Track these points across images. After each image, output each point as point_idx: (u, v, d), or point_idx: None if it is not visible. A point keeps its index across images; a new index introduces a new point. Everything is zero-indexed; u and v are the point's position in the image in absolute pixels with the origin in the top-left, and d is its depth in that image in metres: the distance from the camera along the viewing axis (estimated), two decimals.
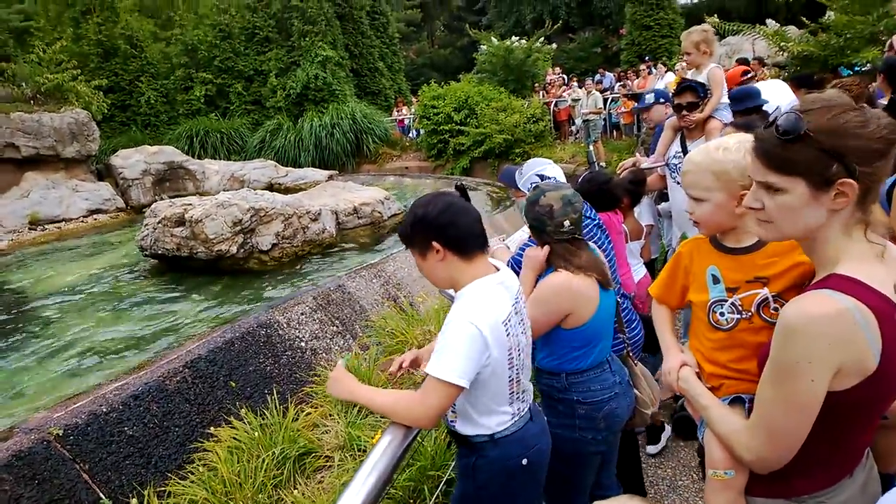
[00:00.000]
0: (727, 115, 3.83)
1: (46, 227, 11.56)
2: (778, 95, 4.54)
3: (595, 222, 2.59)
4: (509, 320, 1.75)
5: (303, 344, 4.51)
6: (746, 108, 4.01)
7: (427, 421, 1.70)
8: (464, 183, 10.31)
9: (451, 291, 2.53)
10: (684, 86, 3.82)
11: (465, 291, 1.76)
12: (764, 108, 4.05)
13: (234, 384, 3.82)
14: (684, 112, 3.75)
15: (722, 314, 1.68)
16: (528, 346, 1.90)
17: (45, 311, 6.75)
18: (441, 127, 14.89)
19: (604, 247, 2.53)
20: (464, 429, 1.83)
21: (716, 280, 1.70)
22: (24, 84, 13.31)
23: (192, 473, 3.02)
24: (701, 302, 1.73)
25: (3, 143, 11.69)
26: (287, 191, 11.02)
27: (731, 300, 1.66)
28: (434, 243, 1.73)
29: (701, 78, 3.89)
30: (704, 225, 1.74)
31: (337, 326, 4.91)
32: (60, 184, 12.51)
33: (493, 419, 1.80)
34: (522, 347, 1.84)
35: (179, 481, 3.00)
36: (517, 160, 13.10)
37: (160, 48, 19.64)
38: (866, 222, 1.28)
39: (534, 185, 2.57)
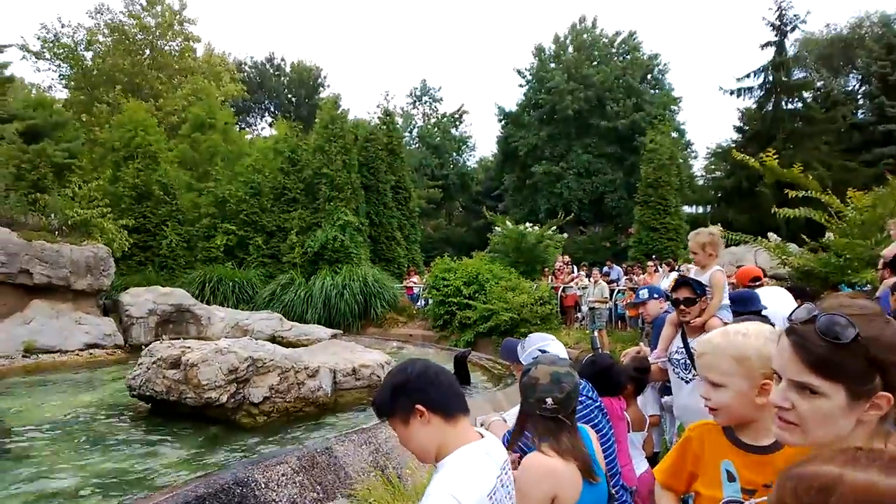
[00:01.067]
0: (728, 315, 3.89)
1: (40, 356, 11.39)
2: (780, 302, 4.63)
3: (596, 404, 2.53)
4: (495, 493, 1.63)
5: None
6: (745, 311, 4.08)
7: None
8: (464, 353, 10.22)
9: None
10: (681, 281, 3.95)
11: (448, 461, 1.66)
12: (763, 313, 4.11)
13: None
14: (682, 307, 3.83)
15: None
16: None
17: (19, 441, 6.45)
18: (449, 299, 15.14)
19: (604, 431, 2.44)
20: None
21: (731, 477, 1.59)
22: (53, 215, 13.90)
23: None
24: (712, 497, 1.61)
25: (18, 268, 11.93)
26: (290, 345, 10.95)
27: (747, 503, 1.55)
28: (418, 406, 1.68)
29: (703, 278, 4.01)
30: (723, 414, 1.64)
31: (317, 492, 4.62)
32: (65, 314, 12.56)
33: None
34: None
35: None
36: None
37: (192, 197, 20.73)
38: (887, 434, 1.21)
39: (536, 358, 2.55)
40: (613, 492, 2.27)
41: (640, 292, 5.04)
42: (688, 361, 3.83)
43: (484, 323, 14.11)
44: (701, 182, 33.14)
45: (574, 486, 1.96)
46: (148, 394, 7.23)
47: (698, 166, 36.35)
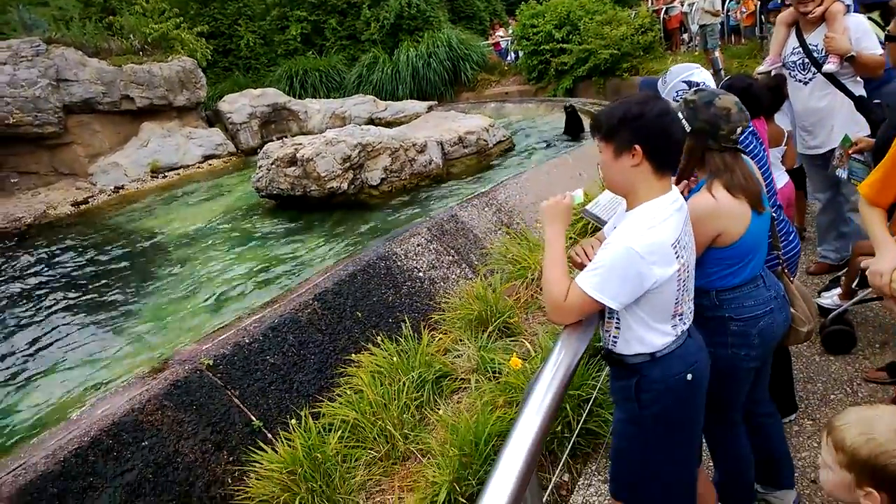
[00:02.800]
0: None
1: (167, 174, 12.22)
2: None
3: (750, 129, 2.32)
4: (678, 241, 1.63)
5: (421, 274, 4.54)
6: (872, 3, 3.53)
7: (558, 313, 1.72)
8: (573, 104, 9.84)
9: (596, 212, 2.39)
10: None
11: (635, 212, 1.63)
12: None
13: (360, 314, 3.92)
14: None
15: None
16: (694, 266, 1.77)
17: (178, 252, 7.21)
18: (542, 47, 14.17)
19: (759, 155, 2.29)
20: (624, 348, 1.74)
21: None
22: (132, 36, 13.86)
23: (340, 396, 3.17)
24: None
25: (119, 95, 12.28)
26: (388, 125, 11.01)
27: None
28: (637, 146, 1.58)
29: None
30: None
31: (452, 256, 4.90)
32: (175, 132, 13.14)
33: (656, 338, 1.71)
34: (690, 269, 1.72)
35: (330, 403, 3.17)
36: (625, 76, 12.34)
37: None
38: None
39: (680, 91, 2.32)
40: (774, 214, 2.18)
41: None
42: (806, 60, 3.55)
43: (582, 66, 13.26)
44: None
45: (742, 217, 1.90)
46: (275, 192, 7.68)
47: None
